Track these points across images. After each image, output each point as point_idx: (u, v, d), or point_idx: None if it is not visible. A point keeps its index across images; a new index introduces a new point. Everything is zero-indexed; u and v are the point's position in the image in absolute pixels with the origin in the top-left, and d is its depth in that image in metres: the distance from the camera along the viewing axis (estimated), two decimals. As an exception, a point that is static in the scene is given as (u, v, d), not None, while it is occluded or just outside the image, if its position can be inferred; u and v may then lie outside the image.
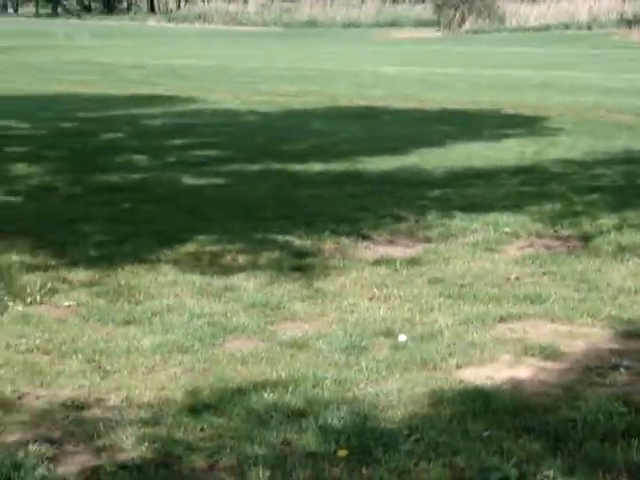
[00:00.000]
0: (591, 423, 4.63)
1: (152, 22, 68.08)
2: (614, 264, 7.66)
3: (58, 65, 31.00)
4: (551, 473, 4.12)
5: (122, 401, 4.93)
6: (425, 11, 63.14)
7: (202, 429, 4.59)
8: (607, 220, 9.10)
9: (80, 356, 5.52)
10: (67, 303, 6.57)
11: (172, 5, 79.82)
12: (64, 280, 7.04)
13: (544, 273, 7.43)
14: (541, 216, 9.31)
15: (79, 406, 4.86)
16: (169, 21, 67.38)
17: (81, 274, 7.20)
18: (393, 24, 61.70)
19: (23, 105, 19.61)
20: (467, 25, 55.66)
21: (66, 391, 5.05)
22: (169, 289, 6.89)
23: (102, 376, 5.26)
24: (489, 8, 56.60)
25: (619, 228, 8.74)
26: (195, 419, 4.68)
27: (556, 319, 6.33)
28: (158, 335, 5.91)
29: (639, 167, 12.48)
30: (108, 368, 5.38)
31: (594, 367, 5.45)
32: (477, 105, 20.28)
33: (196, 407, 4.83)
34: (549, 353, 5.66)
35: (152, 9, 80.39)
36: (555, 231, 8.79)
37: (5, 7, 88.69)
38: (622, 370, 5.41)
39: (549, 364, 5.53)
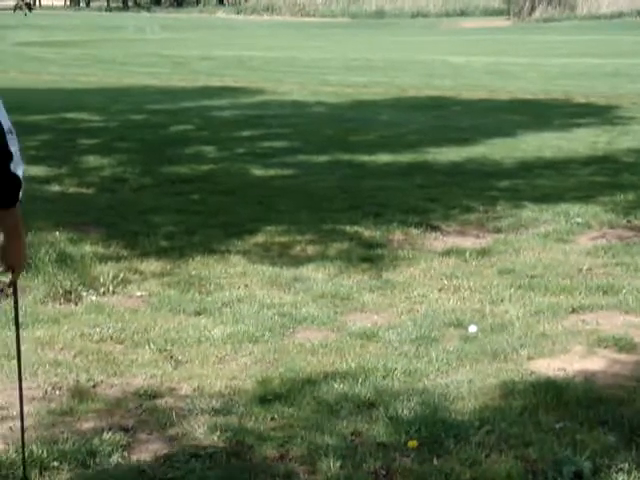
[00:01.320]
0: (666, 416, 4.56)
1: (221, 14, 68.53)
2: (689, 255, 7.53)
3: (128, 58, 31.35)
4: (626, 466, 4.07)
5: (194, 390, 4.98)
6: (494, 0, 62.62)
7: (273, 419, 4.61)
8: (682, 210, 8.95)
9: (152, 346, 5.58)
10: (139, 293, 6.65)
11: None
12: (136, 270, 7.12)
13: (617, 264, 7.33)
14: (614, 206, 9.18)
15: (152, 395, 4.91)
16: (237, 13, 67.76)
17: (152, 265, 7.28)
18: (462, 13, 61.33)
19: (95, 98, 19.87)
20: (537, 13, 55.12)
21: (139, 380, 5.11)
22: (239, 280, 6.93)
23: (174, 366, 5.31)
24: (560, -4, 55.96)
25: (694, 218, 8.59)
26: (266, 409, 4.70)
27: (629, 311, 6.24)
28: (228, 325, 5.96)
29: None
30: (180, 358, 5.43)
31: (669, 359, 5.37)
32: (548, 94, 20.07)
33: (266, 397, 4.85)
34: (623, 345, 5.58)
35: (221, 1, 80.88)
36: (628, 221, 8.66)
37: (78, 1, 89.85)
38: (698, 362, 5.32)
39: (623, 356, 5.45)
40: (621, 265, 7.29)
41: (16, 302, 3.74)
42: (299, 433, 4.44)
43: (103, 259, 7.33)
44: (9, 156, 3.27)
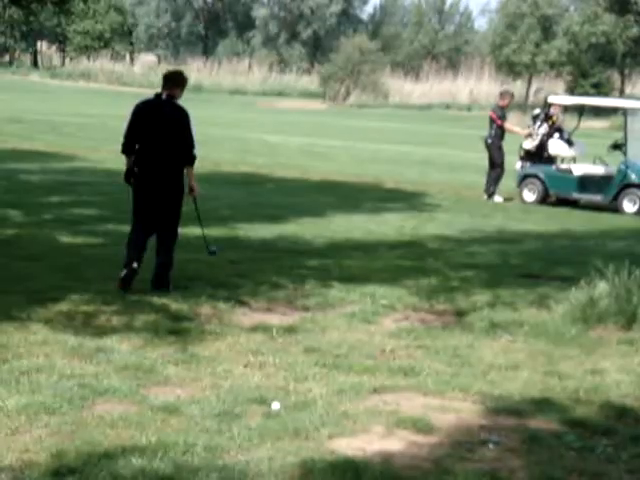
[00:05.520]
0: (459, 498, 4.65)
1: (35, 77, 67.23)
2: (486, 340, 7.79)
3: None
4: None
5: (-17, 463, 4.75)
6: (311, 83, 64.09)
7: (65, 494, 4.44)
8: (481, 297, 9.27)
9: (-59, 415, 5.31)
10: None
11: (56, 61, 79.11)
12: None
13: (418, 347, 7.50)
14: (417, 290, 9.42)
15: (-63, 467, 4.66)
16: (52, 77, 66.66)
17: (-53, 329, 6.95)
18: (280, 93, 62.40)
19: None
20: (352, 99, 56.69)
21: None
22: (39, 348, 6.71)
23: (-37, 436, 5.06)
24: (374, 84, 57.82)
25: (492, 305, 8.90)
26: (59, 484, 4.53)
27: (428, 392, 6.37)
28: (24, 395, 5.74)
29: (512, 246, 12.80)
30: (-30, 428, 5.18)
31: (464, 442, 5.50)
32: (359, 178, 20.58)
33: (60, 471, 4.69)
34: (421, 426, 5.68)
35: (35, 64, 79.50)
36: (431, 305, 8.90)
37: None
38: (491, 446, 5.47)
39: (420, 437, 5.55)
40: (422, 348, 7.46)
41: (196, 209, 9.22)
42: (92, 510, 4.29)
43: None
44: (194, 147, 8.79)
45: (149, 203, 8.80)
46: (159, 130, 8.72)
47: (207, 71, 66.97)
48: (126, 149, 8.94)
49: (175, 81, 8.96)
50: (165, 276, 8.74)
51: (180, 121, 8.75)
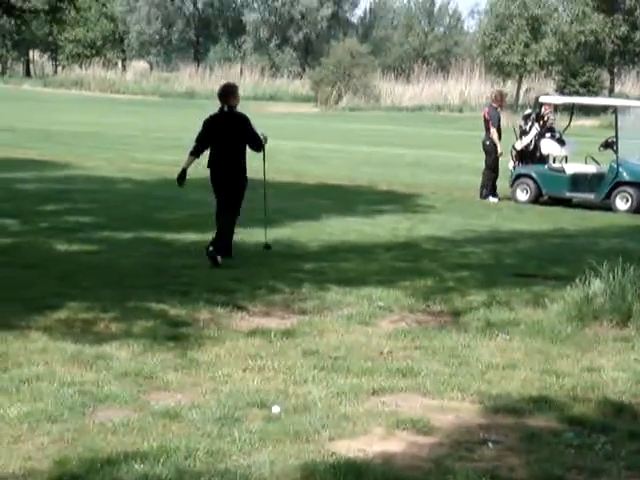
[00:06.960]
0: (460, 496, 4.69)
1: (27, 86, 67.21)
2: (483, 340, 7.83)
3: None
4: None
5: (-14, 472, 4.78)
6: (303, 87, 64.12)
7: (69, 501, 4.47)
8: (476, 297, 9.31)
9: (-57, 424, 5.34)
10: None
11: (48, 70, 79.06)
12: None
13: (416, 347, 7.54)
14: (413, 291, 9.46)
15: (-59, 476, 4.68)
16: (45, 86, 66.65)
17: (-54, 339, 6.98)
18: (272, 98, 62.42)
19: None
20: (344, 102, 56.71)
21: None
22: (39, 356, 6.74)
23: (-34, 445, 5.09)
24: (365, 87, 57.85)
25: (488, 305, 8.94)
26: (62, 490, 4.56)
27: (427, 393, 6.41)
28: (26, 404, 5.77)
29: (506, 246, 12.84)
30: (-28, 437, 5.21)
31: (463, 441, 5.53)
32: (353, 181, 20.61)
33: (63, 478, 4.72)
34: (420, 427, 5.72)
35: (28, 73, 79.47)
36: (427, 306, 8.94)
37: None
38: (490, 445, 5.51)
39: (420, 438, 5.59)
40: (420, 349, 7.50)
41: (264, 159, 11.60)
42: (97, 515, 4.32)
43: None
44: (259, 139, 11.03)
45: (222, 190, 10.92)
46: (226, 135, 10.88)
47: (199, 77, 66.97)
48: (195, 151, 11.23)
49: (227, 94, 11.03)
50: (218, 242, 10.55)
51: (242, 125, 10.89)
